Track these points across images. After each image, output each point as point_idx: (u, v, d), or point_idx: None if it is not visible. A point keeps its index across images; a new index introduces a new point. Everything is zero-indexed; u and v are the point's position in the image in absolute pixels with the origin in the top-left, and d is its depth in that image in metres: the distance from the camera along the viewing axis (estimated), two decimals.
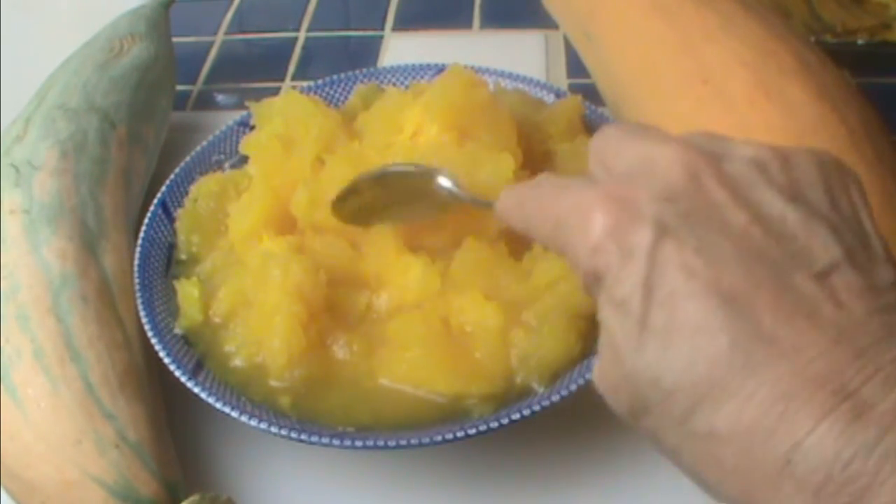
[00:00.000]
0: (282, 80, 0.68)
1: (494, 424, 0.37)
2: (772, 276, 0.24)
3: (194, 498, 0.37)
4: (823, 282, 0.24)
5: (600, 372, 0.27)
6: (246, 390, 0.41)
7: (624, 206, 0.25)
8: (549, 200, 0.28)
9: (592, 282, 0.26)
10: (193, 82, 0.68)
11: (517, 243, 0.44)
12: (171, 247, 0.47)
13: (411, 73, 0.55)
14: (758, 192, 0.25)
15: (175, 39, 0.62)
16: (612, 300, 0.25)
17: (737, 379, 0.23)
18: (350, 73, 0.56)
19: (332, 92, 0.55)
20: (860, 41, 0.63)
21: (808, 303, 0.23)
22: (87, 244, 0.44)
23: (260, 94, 0.53)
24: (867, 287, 0.24)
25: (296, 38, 0.72)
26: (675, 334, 0.24)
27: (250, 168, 0.49)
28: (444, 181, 0.42)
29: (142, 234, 0.46)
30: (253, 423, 0.38)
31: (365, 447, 0.37)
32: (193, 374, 0.40)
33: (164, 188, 0.49)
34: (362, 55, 0.69)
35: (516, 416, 0.37)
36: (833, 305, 0.23)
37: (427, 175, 0.42)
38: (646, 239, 0.24)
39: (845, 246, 0.25)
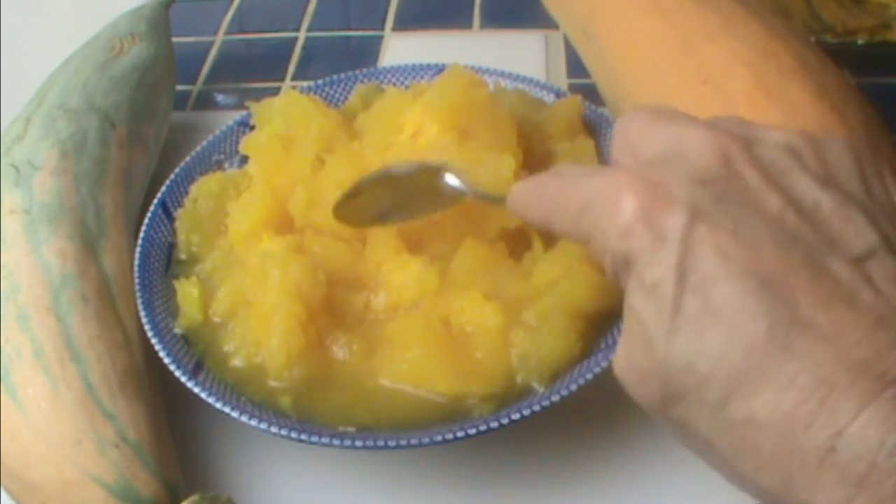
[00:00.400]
0: (282, 80, 0.68)
1: (494, 424, 0.37)
2: (808, 261, 0.23)
3: (194, 498, 0.37)
4: (860, 267, 0.23)
5: (625, 360, 0.26)
6: (245, 390, 0.41)
7: (656, 189, 0.25)
8: (574, 186, 0.28)
9: (621, 266, 0.26)
10: (193, 82, 0.68)
11: (517, 243, 0.44)
12: (171, 247, 0.47)
13: (411, 73, 0.55)
14: (791, 178, 0.25)
15: (175, 39, 0.62)
16: (642, 285, 0.25)
17: (776, 364, 0.22)
18: (350, 73, 0.55)
19: (332, 92, 0.55)
20: (860, 41, 0.63)
21: (846, 288, 0.23)
22: (88, 244, 0.44)
23: (260, 94, 0.53)
24: None
25: (296, 38, 0.72)
26: (710, 319, 0.23)
27: (250, 168, 0.49)
28: (450, 178, 0.42)
29: (142, 234, 0.46)
30: (253, 423, 0.38)
31: (365, 447, 0.37)
32: (193, 374, 0.40)
33: (164, 188, 0.49)
34: (362, 55, 0.69)
35: (516, 416, 0.37)
36: (871, 291, 0.23)
37: (432, 172, 0.42)
38: (679, 222, 0.24)
39: (881, 231, 0.24)
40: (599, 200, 0.26)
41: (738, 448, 0.23)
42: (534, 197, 0.30)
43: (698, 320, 0.23)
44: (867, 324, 0.22)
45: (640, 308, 0.25)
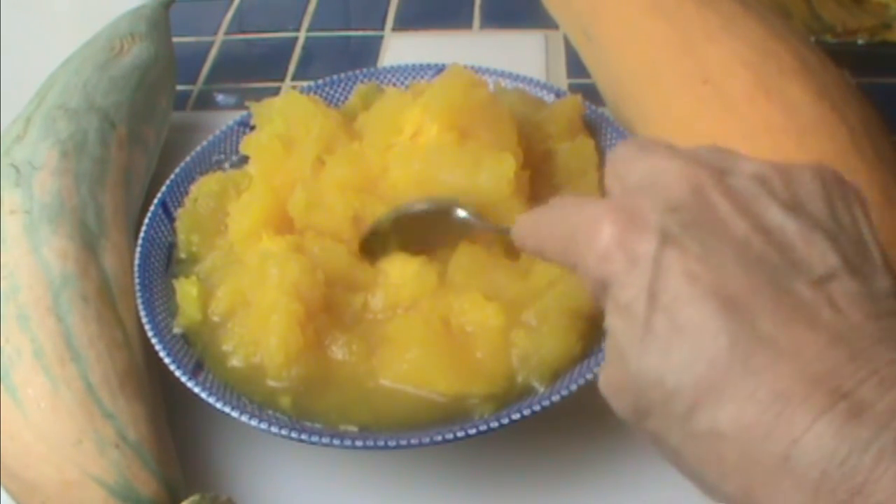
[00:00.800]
0: (282, 80, 0.68)
1: (495, 424, 0.37)
2: (771, 282, 0.25)
3: (194, 498, 0.37)
4: (821, 288, 0.25)
5: (605, 376, 0.28)
6: (244, 390, 0.41)
7: (630, 216, 0.26)
8: (561, 217, 0.30)
9: (600, 290, 0.27)
10: (193, 82, 0.68)
11: (513, 244, 0.44)
12: (172, 246, 0.47)
13: (411, 73, 0.55)
14: (759, 205, 0.26)
15: (175, 39, 0.62)
16: (617, 306, 0.26)
17: (736, 379, 0.24)
18: (350, 73, 0.55)
19: (332, 92, 0.55)
20: (860, 41, 0.63)
21: (806, 307, 0.24)
22: (88, 244, 0.44)
23: (260, 94, 0.53)
24: (864, 294, 0.25)
25: (296, 38, 0.72)
26: (677, 337, 0.25)
27: (250, 168, 0.49)
28: (460, 212, 0.43)
29: (142, 234, 0.46)
30: (253, 423, 0.38)
31: (365, 447, 0.37)
32: (193, 374, 0.40)
33: (164, 188, 0.49)
34: (362, 55, 0.69)
35: (517, 416, 0.37)
36: (830, 310, 0.24)
37: (444, 208, 0.43)
38: (650, 246, 0.26)
39: (843, 255, 0.26)
40: (581, 230, 0.28)
41: (704, 458, 0.25)
42: (529, 229, 0.32)
43: (666, 338, 0.25)
44: (824, 341, 0.24)
45: (615, 327, 0.27)
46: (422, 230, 0.44)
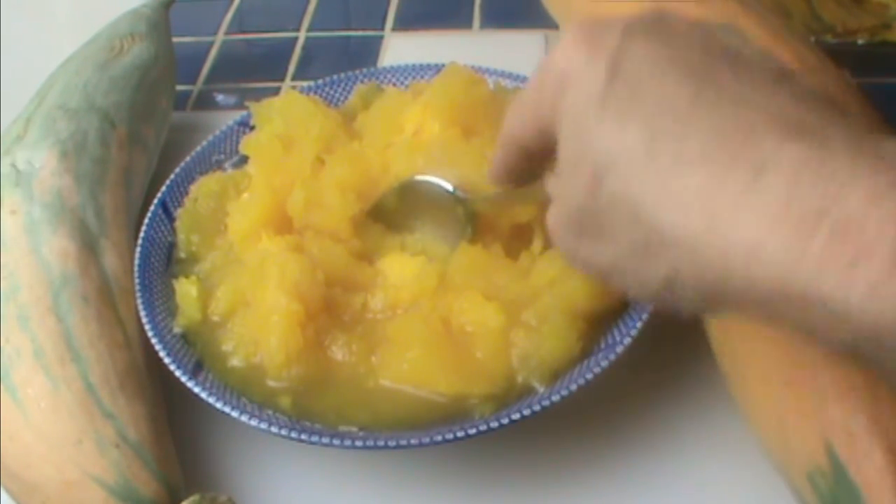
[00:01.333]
0: (282, 80, 0.68)
1: (495, 424, 0.37)
2: (731, 60, 0.27)
3: (194, 498, 0.37)
4: (779, 79, 0.27)
5: (552, 179, 0.29)
6: (245, 390, 0.41)
7: (596, 23, 0.28)
8: (523, 88, 0.31)
9: (558, 91, 0.28)
10: (193, 82, 0.68)
11: (514, 242, 0.44)
12: (172, 246, 0.47)
13: (411, 73, 0.55)
14: (719, 34, 0.28)
15: (175, 39, 0.62)
16: (576, 93, 0.27)
17: (702, 114, 0.25)
18: (350, 73, 0.56)
19: (332, 92, 0.55)
20: (860, 41, 0.63)
21: (766, 79, 0.26)
22: (88, 244, 0.44)
23: (260, 94, 0.53)
24: (811, 90, 0.26)
25: (296, 38, 0.72)
26: (641, 89, 0.26)
27: (250, 168, 0.49)
28: (447, 185, 0.43)
29: (142, 234, 0.46)
30: (253, 423, 0.38)
31: (365, 447, 0.37)
32: (193, 374, 0.40)
33: (164, 188, 0.49)
34: (362, 55, 0.69)
35: (517, 416, 0.37)
36: (786, 83, 0.26)
37: (434, 185, 0.43)
38: (615, 36, 0.27)
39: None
40: (545, 60, 0.29)
41: (665, 198, 0.25)
42: (496, 157, 0.33)
43: (629, 96, 0.26)
44: (786, 94, 0.25)
45: (573, 110, 0.27)
46: (427, 212, 0.44)
